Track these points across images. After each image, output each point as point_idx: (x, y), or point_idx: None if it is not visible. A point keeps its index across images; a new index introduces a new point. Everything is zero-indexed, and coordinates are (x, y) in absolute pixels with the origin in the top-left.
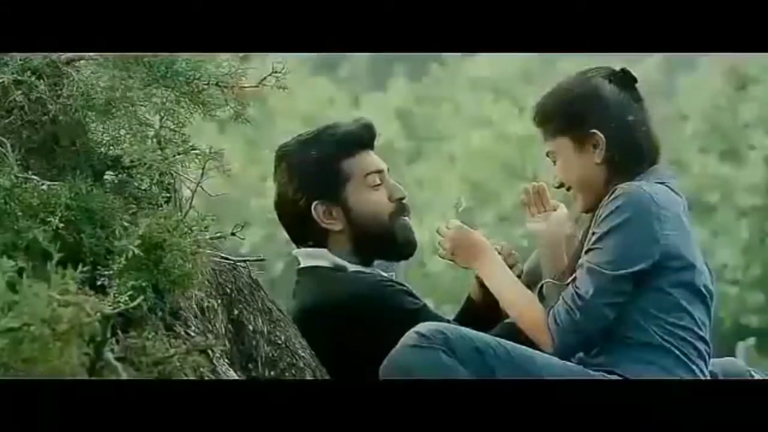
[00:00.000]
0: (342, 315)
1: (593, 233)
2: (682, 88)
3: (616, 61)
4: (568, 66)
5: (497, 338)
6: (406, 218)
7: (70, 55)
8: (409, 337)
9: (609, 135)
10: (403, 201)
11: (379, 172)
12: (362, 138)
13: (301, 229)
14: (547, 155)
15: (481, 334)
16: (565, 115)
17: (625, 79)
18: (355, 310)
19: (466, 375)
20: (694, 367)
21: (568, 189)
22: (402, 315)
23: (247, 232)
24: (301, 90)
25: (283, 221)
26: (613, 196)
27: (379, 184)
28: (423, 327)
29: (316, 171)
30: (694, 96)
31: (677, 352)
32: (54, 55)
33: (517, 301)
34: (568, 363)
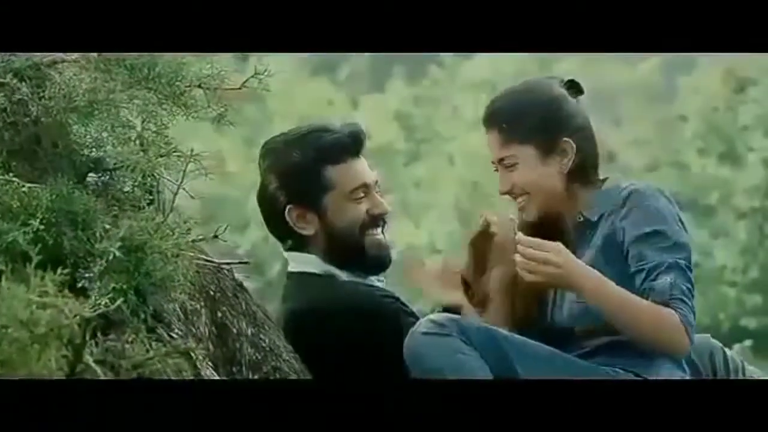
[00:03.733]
0: (334, 324)
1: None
2: (681, 90)
3: (616, 60)
4: (567, 66)
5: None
6: (380, 235)
7: (53, 56)
8: (422, 324)
9: (576, 143)
10: (382, 217)
11: (365, 186)
12: (350, 146)
13: (278, 228)
14: (500, 161)
15: (492, 326)
16: (532, 124)
17: (573, 89)
18: (347, 320)
19: (482, 362)
20: None
21: (519, 195)
22: (395, 327)
23: (246, 232)
24: (300, 91)
25: (263, 216)
26: (637, 197)
27: (362, 197)
28: (435, 315)
29: (297, 175)
30: (693, 98)
31: None
32: (37, 56)
33: (641, 310)
34: (579, 360)
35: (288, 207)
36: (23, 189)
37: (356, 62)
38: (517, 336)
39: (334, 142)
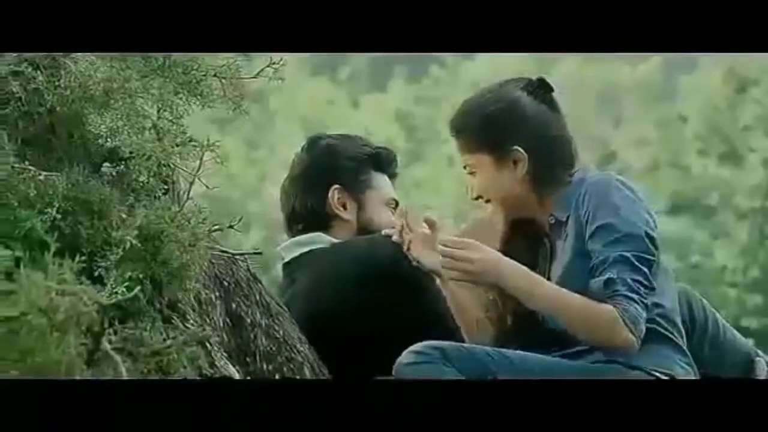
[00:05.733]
0: (362, 273)
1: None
2: (682, 90)
3: (616, 61)
4: (567, 66)
5: (489, 347)
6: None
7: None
8: (405, 356)
9: (530, 149)
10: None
11: (396, 202)
12: (393, 164)
13: (303, 208)
14: (465, 168)
15: (476, 345)
16: (484, 133)
17: (541, 89)
18: (374, 267)
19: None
20: None
21: (487, 201)
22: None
23: (246, 232)
24: (300, 91)
25: (288, 198)
26: (591, 188)
27: (393, 209)
28: (416, 345)
29: (355, 163)
30: (693, 98)
31: None
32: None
33: (575, 307)
34: (571, 363)
35: (335, 186)
36: (39, 177)
37: (357, 62)
38: (506, 351)
39: (386, 153)
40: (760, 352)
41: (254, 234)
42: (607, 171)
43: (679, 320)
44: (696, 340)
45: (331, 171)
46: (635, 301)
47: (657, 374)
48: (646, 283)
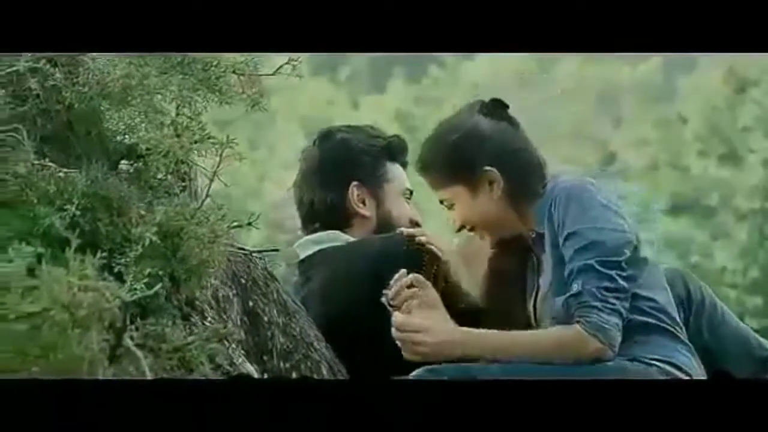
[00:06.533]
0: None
1: (573, 232)
2: (682, 91)
3: (616, 61)
4: (567, 66)
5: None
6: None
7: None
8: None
9: (499, 168)
10: (419, 225)
11: (410, 191)
12: (405, 153)
13: (322, 205)
14: (441, 203)
15: (466, 364)
16: (451, 166)
17: (496, 108)
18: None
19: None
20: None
21: (471, 229)
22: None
23: (247, 231)
24: (300, 91)
25: (305, 196)
26: (567, 195)
27: (408, 199)
28: (411, 375)
29: (370, 157)
30: (693, 98)
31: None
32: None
33: (540, 342)
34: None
35: (354, 183)
36: (59, 174)
37: (356, 62)
38: (497, 366)
39: (398, 142)
40: (762, 340)
41: (255, 234)
42: (582, 176)
43: (675, 313)
44: (693, 322)
45: (348, 167)
46: (599, 309)
47: (657, 364)
48: (612, 286)
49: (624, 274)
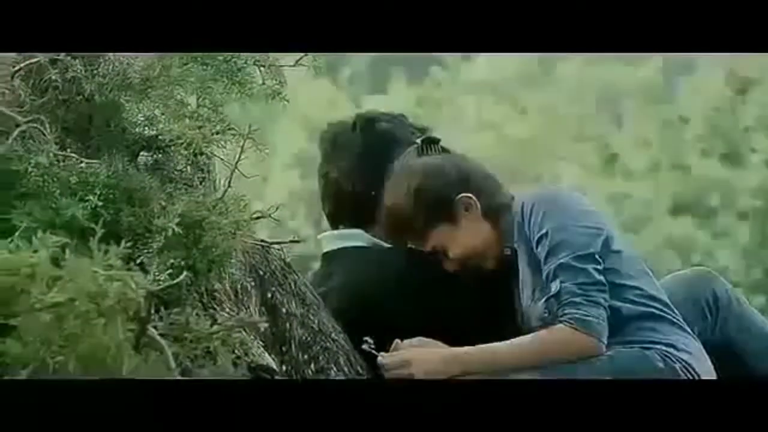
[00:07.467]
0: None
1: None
2: (683, 91)
3: (617, 60)
4: (567, 67)
5: None
6: None
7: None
8: None
9: (468, 191)
10: None
11: None
12: (432, 149)
13: (355, 205)
14: (433, 252)
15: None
16: (428, 207)
17: (431, 144)
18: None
19: None
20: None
21: (468, 258)
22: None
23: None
24: (301, 92)
25: (343, 185)
26: (532, 204)
27: None
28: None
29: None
30: (694, 99)
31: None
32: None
33: (528, 348)
34: None
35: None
36: (80, 165)
37: (358, 63)
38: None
39: (432, 139)
40: None
41: (258, 232)
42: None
43: (664, 296)
44: (721, 324)
45: (386, 160)
46: (580, 303)
47: (653, 346)
48: (590, 280)
49: (599, 267)
